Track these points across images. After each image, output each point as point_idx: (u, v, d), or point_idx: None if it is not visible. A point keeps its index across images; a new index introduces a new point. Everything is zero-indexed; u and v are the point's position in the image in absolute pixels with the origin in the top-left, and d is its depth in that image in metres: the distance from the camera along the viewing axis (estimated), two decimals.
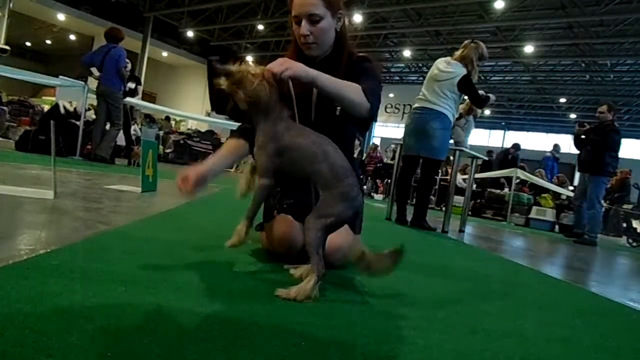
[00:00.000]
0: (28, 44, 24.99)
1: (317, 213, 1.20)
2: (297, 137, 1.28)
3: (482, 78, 21.11)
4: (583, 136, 6.15)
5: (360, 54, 1.70)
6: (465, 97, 4.43)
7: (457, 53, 4.25)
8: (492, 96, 4.42)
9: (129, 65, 6.95)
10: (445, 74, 4.15)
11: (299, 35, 1.58)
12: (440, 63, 4.27)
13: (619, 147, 6.15)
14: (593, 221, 5.98)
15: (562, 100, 22.96)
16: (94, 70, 6.29)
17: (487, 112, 24.84)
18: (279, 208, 1.60)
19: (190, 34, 20.11)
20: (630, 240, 7.92)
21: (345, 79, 1.48)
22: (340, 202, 1.21)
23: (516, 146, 10.99)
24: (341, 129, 1.68)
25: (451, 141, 4.53)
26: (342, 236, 1.46)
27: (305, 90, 1.56)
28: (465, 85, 4.12)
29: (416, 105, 4.35)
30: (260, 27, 19.40)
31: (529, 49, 16.40)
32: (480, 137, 27.94)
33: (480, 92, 4.32)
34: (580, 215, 6.34)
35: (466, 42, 4.31)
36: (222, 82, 1.29)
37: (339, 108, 1.59)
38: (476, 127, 5.15)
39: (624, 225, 8.76)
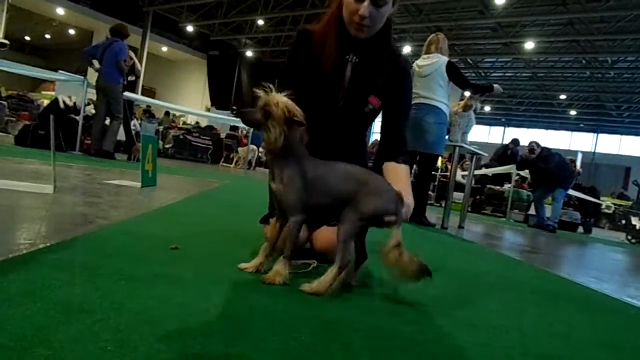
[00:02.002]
0: (27, 38, 24.93)
1: (353, 207, 1.21)
2: (319, 168, 1.27)
3: (483, 74, 21.09)
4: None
5: (401, 57, 1.66)
6: (467, 93, 4.44)
7: (432, 48, 4.31)
8: (496, 86, 4.43)
9: (131, 61, 6.93)
10: (428, 66, 4.18)
11: (352, 12, 1.45)
12: (419, 61, 4.36)
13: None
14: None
15: (562, 96, 22.95)
16: (95, 62, 6.27)
17: (487, 108, 24.85)
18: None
19: (190, 28, 20.04)
20: (630, 237, 7.93)
21: (385, 84, 1.55)
22: (372, 198, 1.22)
23: (515, 141, 10.96)
24: (363, 125, 1.70)
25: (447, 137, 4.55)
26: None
27: (337, 74, 1.56)
28: (452, 70, 4.16)
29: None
30: (261, 22, 19.34)
31: (529, 45, 16.37)
32: (480, 134, 27.96)
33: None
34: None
35: (431, 36, 4.43)
36: (263, 120, 1.22)
37: (369, 107, 1.59)
38: (476, 123, 5.15)
39: (623, 222, 8.78)
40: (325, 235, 1.54)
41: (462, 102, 4.91)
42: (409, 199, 1.38)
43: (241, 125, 13.94)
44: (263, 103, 1.20)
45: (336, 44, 1.54)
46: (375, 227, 1.24)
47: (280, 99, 1.20)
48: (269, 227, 1.63)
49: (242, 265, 1.31)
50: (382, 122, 1.67)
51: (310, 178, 1.24)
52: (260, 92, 1.21)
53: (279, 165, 1.25)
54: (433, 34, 4.49)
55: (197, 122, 15.93)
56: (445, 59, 4.19)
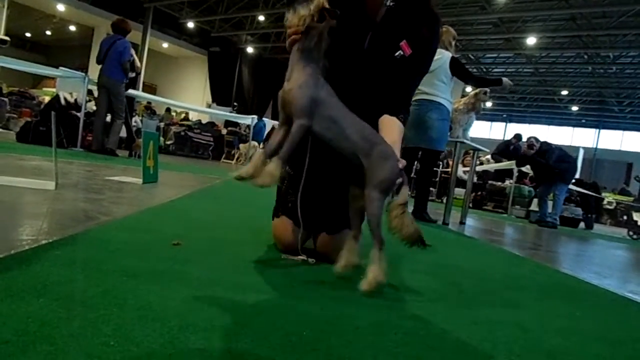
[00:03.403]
0: (28, 34, 24.89)
1: (371, 184, 1.19)
2: (334, 99, 1.24)
3: (484, 70, 21.02)
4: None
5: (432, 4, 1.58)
6: (468, 89, 4.42)
7: None
8: (505, 79, 4.41)
9: (132, 57, 6.92)
10: (433, 62, 4.15)
11: None
12: None
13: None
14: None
15: (564, 92, 22.86)
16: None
17: (488, 104, 24.77)
18: (283, 207, 1.60)
19: (190, 24, 19.97)
20: (631, 233, 7.92)
21: (417, 28, 1.48)
22: (385, 163, 1.21)
23: (518, 136, 10.90)
24: (390, 77, 1.58)
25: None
26: (341, 238, 1.50)
27: (370, 16, 1.51)
28: (456, 65, 4.14)
29: (414, 98, 4.34)
30: (261, 18, 19.27)
31: (531, 40, 16.29)
32: (482, 129, 27.92)
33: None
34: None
35: None
36: (305, 11, 1.20)
37: (399, 53, 1.50)
38: (477, 119, 5.13)
39: (625, 218, 8.77)
40: (327, 241, 1.54)
41: (463, 99, 4.90)
42: (398, 154, 1.35)
43: (240, 121, 13.95)
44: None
45: None
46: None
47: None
48: (277, 222, 1.62)
49: (235, 174, 1.22)
50: (396, 75, 1.58)
51: (322, 97, 1.21)
52: None
53: (297, 65, 1.23)
54: None
55: (199, 120, 15.88)
56: (448, 55, 4.17)
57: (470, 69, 4.38)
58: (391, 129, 1.46)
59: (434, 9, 1.57)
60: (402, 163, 1.27)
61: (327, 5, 1.21)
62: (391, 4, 1.52)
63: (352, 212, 1.32)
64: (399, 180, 1.22)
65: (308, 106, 1.18)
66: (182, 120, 15.27)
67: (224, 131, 14.02)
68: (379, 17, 1.52)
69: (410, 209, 4.37)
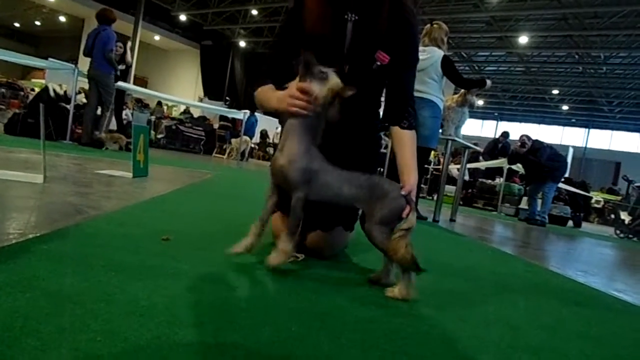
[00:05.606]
0: (16, 25, 24.52)
1: (371, 221, 1.26)
2: (323, 163, 1.28)
3: (476, 68, 21.11)
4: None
5: (406, 6, 1.55)
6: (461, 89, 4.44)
7: (425, 40, 4.28)
8: (488, 81, 4.44)
9: (121, 50, 6.85)
10: (423, 61, 4.15)
11: None
12: None
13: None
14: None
15: (555, 91, 23.06)
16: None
17: (480, 102, 24.91)
18: (281, 204, 1.59)
19: (182, 17, 19.80)
20: (618, 231, 8.03)
21: (388, 37, 1.47)
22: (382, 202, 1.25)
23: (505, 134, 10.97)
24: (374, 88, 1.61)
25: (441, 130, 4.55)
26: (334, 235, 1.53)
27: (337, 36, 1.50)
28: (447, 65, 4.14)
29: None
30: (254, 12, 19.16)
31: (523, 39, 16.40)
32: (473, 128, 28.08)
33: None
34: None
35: (427, 26, 4.36)
36: (322, 91, 1.24)
37: (377, 64, 1.50)
38: (469, 117, 5.15)
39: (612, 216, 8.89)
40: (320, 238, 1.54)
41: (455, 96, 4.91)
42: (410, 178, 1.38)
43: (231, 116, 13.88)
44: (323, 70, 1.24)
45: (331, 4, 1.48)
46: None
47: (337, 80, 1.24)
48: (275, 216, 1.61)
49: (232, 249, 1.29)
50: (388, 80, 1.59)
51: (315, 168, 1.26)
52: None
53: (292, 136, 1.26)
54: (428, 25, 4.42)
55: (189, 110, 15.72)
56: (440, 53, 4.16)
57: (462, 67, 4.39)
58: (401, 144, 1.49)
59: (405, 10, 1.53)
60: (407, 190, 1.30)
61: (344, 92, 1.24)
62: (354, 17, 1.50)
63: None
64: (406, 211, 1.26)
65: (303, 179, 1.25)
66: (182, 113, 15.14)
67: (216, 125, 13.93)
68: (348, 34, 1.50)
69: None
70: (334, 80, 1.24)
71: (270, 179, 1.33)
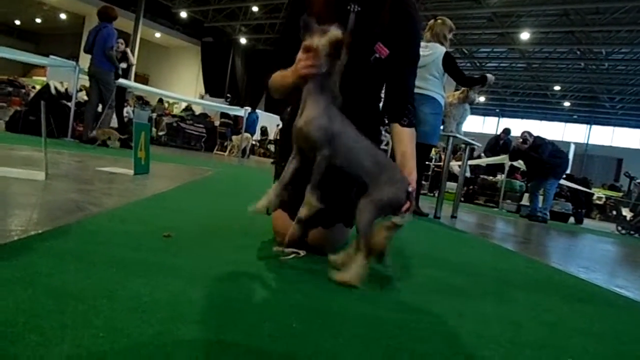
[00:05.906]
0: (17, 22, 24.51)
1: (367, 198, 1.23)
2: (345, 126, 1.27)
3: (478, 64, 21.06)
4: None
5: (408, 0, 1.53)
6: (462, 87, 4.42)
7: (427, 35, 4.26)
8: (489, 76, 4.42)
9: (122, 46, 6.85)
10: (425, 57, 4.14)
11: None
12: None
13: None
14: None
15: (557, 87, 22.99)
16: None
17: (481, 98, 24.85)
18: (282, 201, 1.59)
19: (183, 14, 19.77)
20: (620, 228, 8.02)
21: (389, 31, 1.45)
22: (389, 187, 1.24)
23: (507, 131, 10.95)
24: (373, 81, 1.59)
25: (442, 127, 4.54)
26: (334, 232, 1.53)
27: (340, 24, 1.49)
28: (449, 62, 4.13)
29: None
30: (255, 9, 19.12)
31: (525, 35, 16.35)
32: (475, 124, 28.03)
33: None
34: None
35: (431, 22, 4.34)
36: (321, 42, 1.21)
37: (375, 56, 1.49)
38: (470, 114, 5.14)
39: (614, 213, 8.87)
40: (322, 234, 1.54)
41: (456, 93, 4.90)
42: (411, 175, 1.38)
43: (233, 113, 13.86)
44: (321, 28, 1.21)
45: None
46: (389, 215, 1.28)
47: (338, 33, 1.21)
48: (276, 215, 1.60)
49: (251, 207, 1.29)
50: (388, 76, 1.58)
51: (337, 129, 1.24)
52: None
53: (310, 98, 1.25)
54: (432, 20, 4.40)
55: (190, 107, 15.71)
56: (442, 50, 4.15)
57: (464, 63, 4.38)
58: (401, 142, 1.49)
59: (406, 3, 1.52)
60: (412, 187, 1.29)
61: (345, 39, 1.22)
62: (357, 8, 1.49)
63: None
64: (405, 207, 1.26)
65: (325, 139, 1.23)
66: (183, 111, 15.10)
67: (217, 122, 13.92)
68: (349, 25, 1.49)
69: None
70: (333, 31, 1.21)
71: (294, 146, 1.32)
